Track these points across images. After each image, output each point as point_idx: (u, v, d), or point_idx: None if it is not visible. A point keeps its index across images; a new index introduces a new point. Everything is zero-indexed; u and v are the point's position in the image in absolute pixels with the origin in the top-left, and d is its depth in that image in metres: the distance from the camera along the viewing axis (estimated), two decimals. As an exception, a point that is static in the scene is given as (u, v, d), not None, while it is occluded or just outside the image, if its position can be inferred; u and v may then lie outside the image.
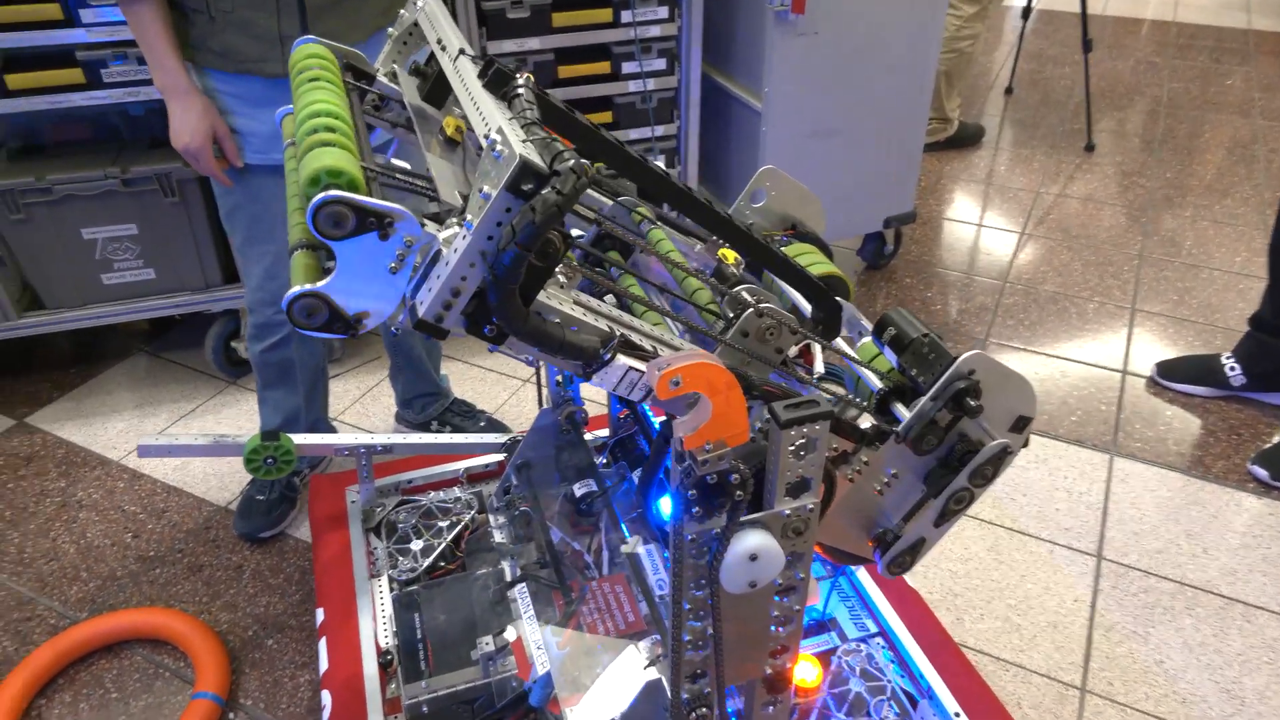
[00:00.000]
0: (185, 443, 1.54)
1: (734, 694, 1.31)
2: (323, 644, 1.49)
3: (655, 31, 2.40)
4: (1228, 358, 2.35)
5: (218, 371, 2.44)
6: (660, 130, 2.54)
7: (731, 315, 1.07)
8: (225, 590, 1.83)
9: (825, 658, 1.48)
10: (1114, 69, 4.75)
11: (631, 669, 1.40)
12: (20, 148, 2.24)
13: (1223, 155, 3.76)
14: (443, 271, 0.76)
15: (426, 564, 1.65)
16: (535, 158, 0.74)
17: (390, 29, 1.19)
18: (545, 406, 1.69)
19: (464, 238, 0.75)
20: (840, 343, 1.20)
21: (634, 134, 2.52)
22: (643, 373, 0.90)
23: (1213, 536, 1.97)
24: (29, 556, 1.91)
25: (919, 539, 1.17)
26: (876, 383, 1.11)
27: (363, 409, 2.37)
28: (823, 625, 1.59)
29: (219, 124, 1.57)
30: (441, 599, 1.57)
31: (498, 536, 1.71)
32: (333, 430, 2.12)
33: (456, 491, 1.80)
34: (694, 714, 1.16)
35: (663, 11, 2.37)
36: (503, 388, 2.45)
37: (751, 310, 1.02)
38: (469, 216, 0.75)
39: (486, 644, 1.43)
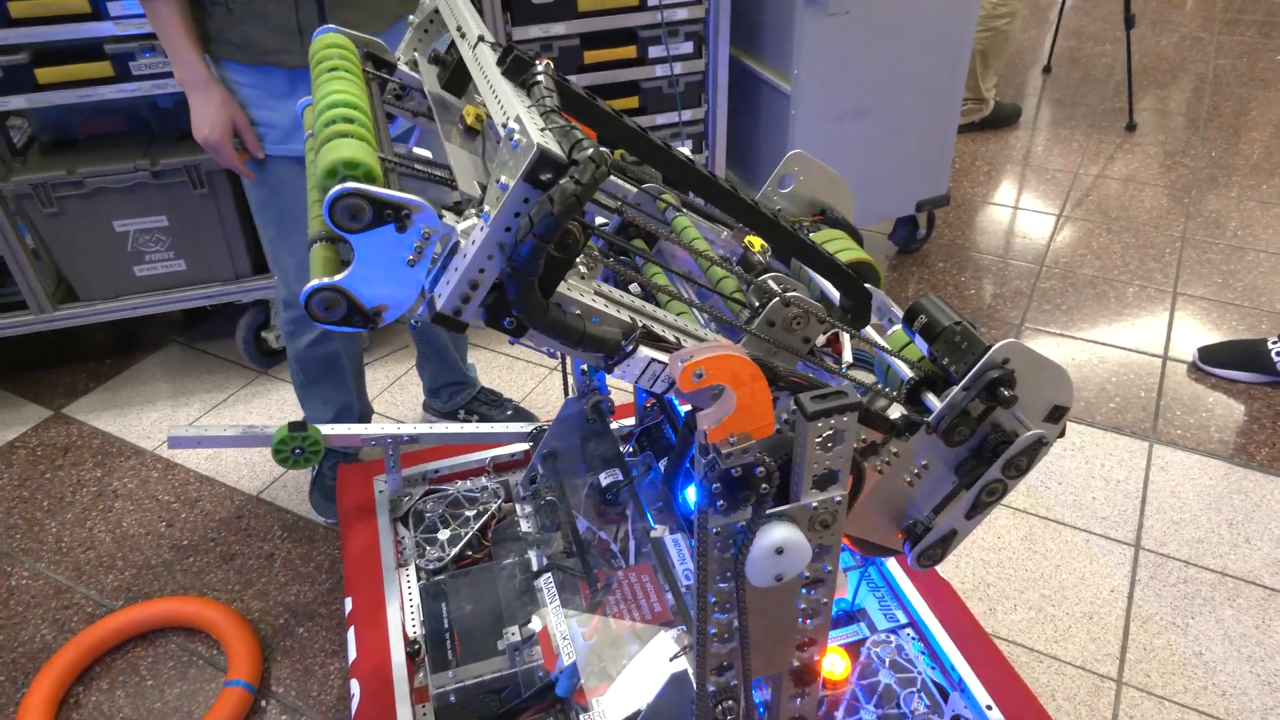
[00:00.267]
0: (214, 434, 1.56)
1: (761, 685, 1.30)
2: (351, 633, 1.50)
3: (682, 14, 2.36)
4: (1274, 342, 2.28)
5: (249, 361, 2.46)
6: (688, 115, 2.51)
7: (757, 304, 1.05)
8: (257, 579, 1.85)
9: (854, 649, 1.46)
10: (1157, 45, 4.62)
11: (658, 660, 1.39)
12: (52, 142, 2.27)
13: (1270, 133, 3.64)
14: (460, 264, 0.75)
15: (453, 553, 1.65)
16: (553, 147, 0.72)
17: (411, 16, 1.18)
18: (570, 396, 1.68)
19: (481, 229, 0.74)
20: (870, 331, 1.17)
21: (661, 119, 2.49)
22: (665, 365, 0.88)
23: (1256, 526, 1.92)
24: (66, 545, 1.95)
25: (950, 531, 1.15)
26: (907, 372, 1.09)
27: (391, 398, 2.38)
28: (851, 616, 1.57)
29: (239, 116, 1.57)
30: (468, 588, 1.57)
31: (524, 526, 1.70)
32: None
33: (483, 481, 1.80)
34: (720, 706, 1.15)
35: (689, -6, 2.34)
36: (530, 376, 2.45)
37: (778, 299, 1.00)
38: (486, 207, 0.73)
39: (513, 634, 1.43)
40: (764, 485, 0.92)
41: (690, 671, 1.16)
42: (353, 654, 1.47)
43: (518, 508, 1.75)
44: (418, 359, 2.20)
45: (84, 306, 2.27)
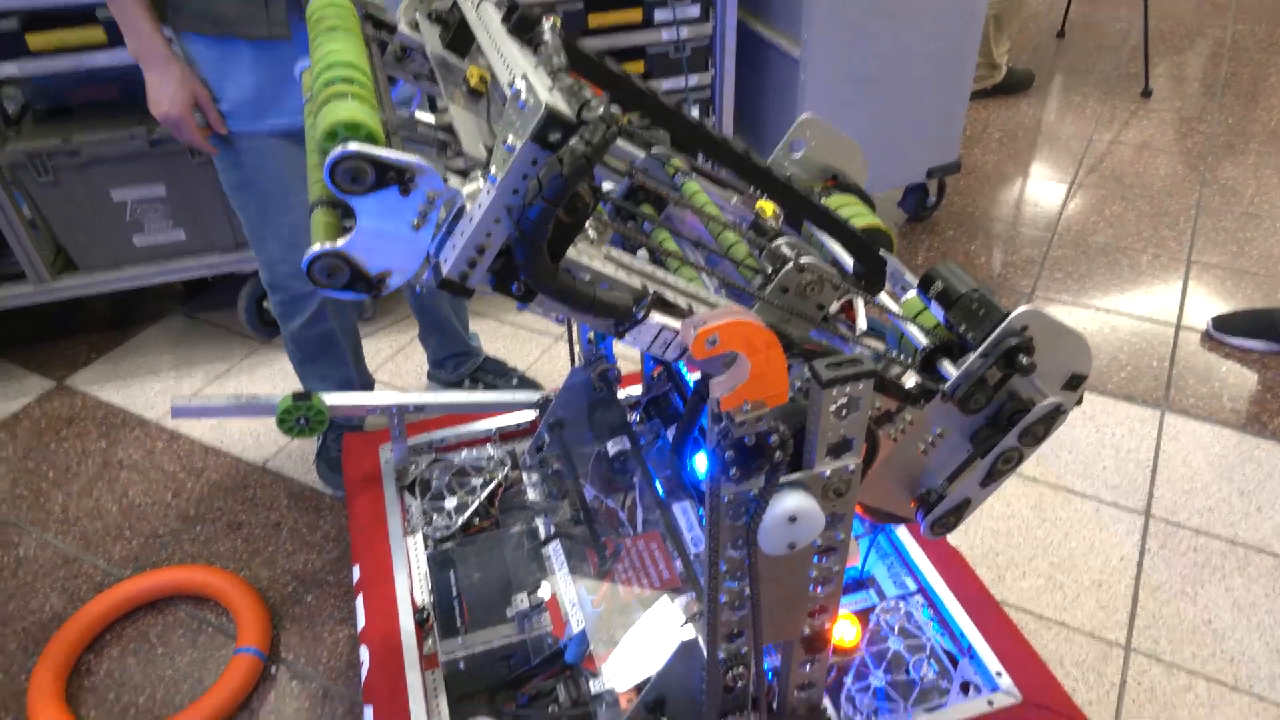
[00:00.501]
0: (218, 404, 1.54)
1: (770, 651, 1.30)
2: (359, 601, 1.50)
3: (688, -24, 2.32)
4: (1289, 309, 2.25)
5: (251, 332, 2.45)
6: (694, 80, 2.47)
7: (770, 270, 1.03)
8: (264, 547, 1.85)
9: (863, 616, 1.46)
10: (1174, 9, 4.53)
11: (667, 627, 1.39)
12: (46, 110, 2.24)
13: (1287, 98, 3.59)
14: (466, 228, 0.73)
15: (461, 521, 1.65)
16: (562, 106, 0.70)
17: (412, -25, 1.14)
18: (577, 364, 1.67)
19: (488, 192, 0.71)
20: (884, 297, 1.15)
21: (667, 84, 2.45)
22: (677, 331, 0.86)
23: (1267, 495, 1.91)
24: (73, 515, 1.95)
25: (964, 499, 1.14)
26: (922, 339, 1.07)
27: (395, 367, 2.36)
28: (861, 583, 1.56)
29: (200, 90, 1.51)
30: (476, 556, 1.57)
31: (531, 494, 1.70)
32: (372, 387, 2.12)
33: (489, 449, 1.79)
34: (730, 673, 1.15)
35: (696, -45, 2.29)
36: (535, 345, 2.44)
37: (791, 265, 0.98)
38: (493, 169, 0.71)
39: (521, 601, 1.43)
40: (778, 453, 0.91)
41: (700, 639, 1.16)
42: (361, 621, 1.47)
43: (524, 476, 1.74)
44: (420, 332, 2.18)
45: (83, 277, 2.25)
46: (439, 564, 1.56)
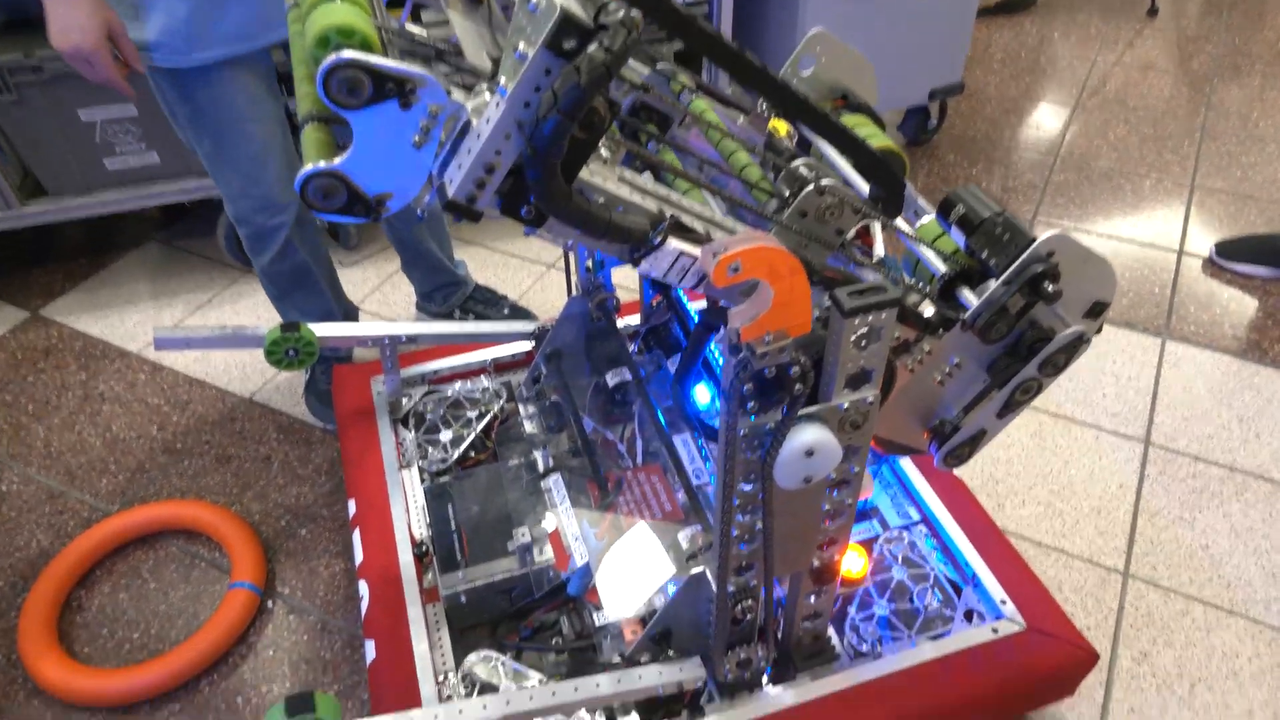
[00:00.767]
0: (203, 334, 1.49)
1: (777, 583, 1.29)
2: (356, 535, 1.48)
3: (684, -121, 2.18)
4: (1293, 235, 2.22)
5: (231, 260, 2.37)
6: (689, -7, 2.36)
7: (787, 193, 0.97)
8: (255, 481, 1.82)
9: (867, 545, 1.45)
10: (1177, -80, 4.37)
11: (672, 560, 1.38)
12: (5, 23, 2.10)
13: (1293, 16, 3.50)
14: (474, 145, 0.67)
15: (457, 454, 1.62)
16: (577, 9, 0.63)
17: None
18: (575, 294, 1.62)
19: (497, 106, 0.65)
20: (899, 223, 1.10)
21: (660, -3, 2.33)
22: (695, 258, 0.82)
23: (1266, 421, 1.90)
24: (56, 450, 1.90)
25: (979, 431, 1.11)
26: (940, 266, 1.02)
27: (383, 296, 2.30)
28: (864, 513, 1.55)
29: (114, 20, 1.31)
30: (474, 490, 1.54)
31: (528, 427, 1.66)
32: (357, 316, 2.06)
33: (484, 381, 1.75)
34: (739, 606, 1.14)
35: None
36: (526, 273, 2.37)
37: (812, 187, 0.93)
38: (503, 80, 0.65)
39: (523, 535, 1.41)
40: (798, 386, 0.87)
41: (709, 572, 1.14)
42: (359, 556, 1.44)
43: (521, 408, 1.71)
44: (402, 264, 2.10)
45: (53, 202, 2.15)
46: (436, 498, 1.53)
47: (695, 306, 1.60)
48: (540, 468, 1.56)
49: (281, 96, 1.66)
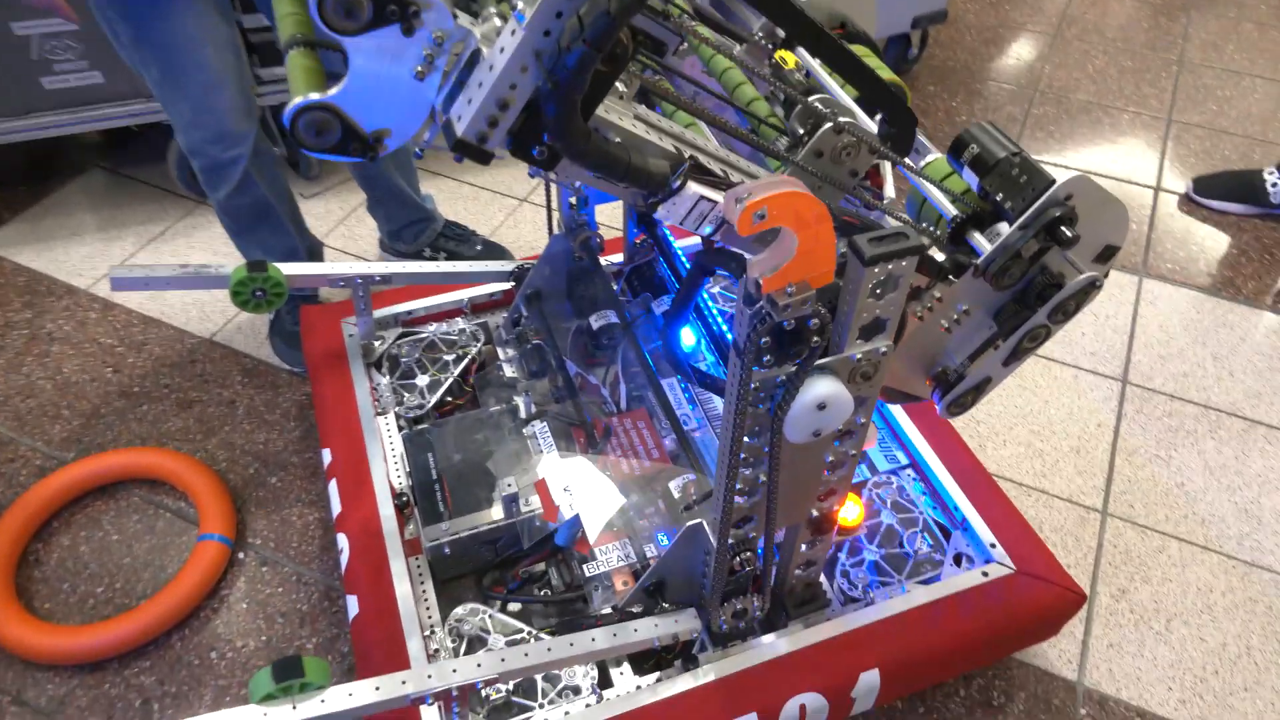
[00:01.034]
0: (163, 274, 1.39)
1: (769, 532, 1.27)
2: (333, 486, 1.42)
3: None
4: (1270, 173, 2.21)
5: (185, 190, 2.23)
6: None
7: (802, 131, 0.91)
8: (219, 427, 1.74)
9: (855, 490, 1.44)
10: None
11: (665, 509, 1.35)
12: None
13: (1270, -56, 3.45)
14: (486, 78, 0.60)
15: (435, 400, 1.56)
16: (603, -79, 0.56)
17: None
18: (557, 232, 1.55)
19: (513, 33, 0.58)
20: (907, 163, 1.05)
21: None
22: (715, 203, 0.76)
23: (1239, 359, 1.92)
24: (2, 394, 1.79)
25: (984, 378, 1.09)
26: (950, 209, 0.98)
27: (348, 231, 2.19)
28: (852, 458, 1.53)
29: None
30: (454, 437, 1.48)
31: (508, 371, 1.61)
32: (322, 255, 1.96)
33: (460, 323, 1.68)
34: (738, 557, 1.12)
35: None
36: (498, 207, 2.28)
37: (829, 125, 0.87)
38: (519, 5, 0.58)
39: (509, 484, 1.36)
40: (816, 339, 0.83)
41: (706, 524, 1.11)
42: (336, 508, 1.39)
43: (500, 351, 1.65)
44: (368, 203, 1.99)
45: (-14, 126, 1.99)
46: (415, 445, 1.48)
47: (681, 245, 1.54)
48: (523, 414, 1.50)
49: (234, 14, 1.53)
